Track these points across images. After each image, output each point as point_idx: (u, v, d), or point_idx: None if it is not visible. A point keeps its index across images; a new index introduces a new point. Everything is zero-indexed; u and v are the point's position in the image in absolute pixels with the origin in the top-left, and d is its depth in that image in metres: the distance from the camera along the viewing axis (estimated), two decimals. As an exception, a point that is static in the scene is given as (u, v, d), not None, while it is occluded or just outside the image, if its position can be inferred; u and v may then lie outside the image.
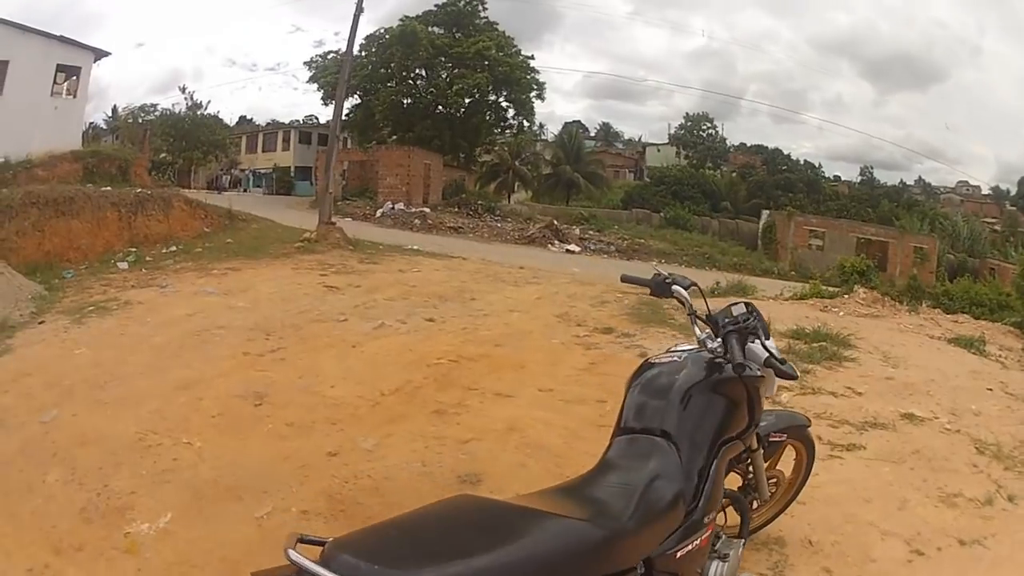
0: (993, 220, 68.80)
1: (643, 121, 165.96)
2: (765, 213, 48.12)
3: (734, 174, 68.94)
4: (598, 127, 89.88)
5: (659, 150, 75.41)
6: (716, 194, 57.06)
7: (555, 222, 33.85)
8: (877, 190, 77.35)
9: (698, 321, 3.03)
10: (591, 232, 35.26)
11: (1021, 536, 4.40)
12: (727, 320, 2.86)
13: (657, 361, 2.89)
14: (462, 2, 44.39)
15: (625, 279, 3.64)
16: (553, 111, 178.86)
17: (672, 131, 77.12)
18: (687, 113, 75.53)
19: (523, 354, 7.77)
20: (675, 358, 2.84)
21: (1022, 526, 4.55)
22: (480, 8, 44.79)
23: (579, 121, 79.45)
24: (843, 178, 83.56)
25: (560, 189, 52.81)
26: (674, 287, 3.15)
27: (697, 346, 2.92)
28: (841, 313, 12.94)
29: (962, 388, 7.61)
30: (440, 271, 14.71)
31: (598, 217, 41.92)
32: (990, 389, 7.80)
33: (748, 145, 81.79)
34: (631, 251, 32.59)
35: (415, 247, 20.02)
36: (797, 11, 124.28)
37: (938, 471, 5.18)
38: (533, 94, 46.07)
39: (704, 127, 73.47)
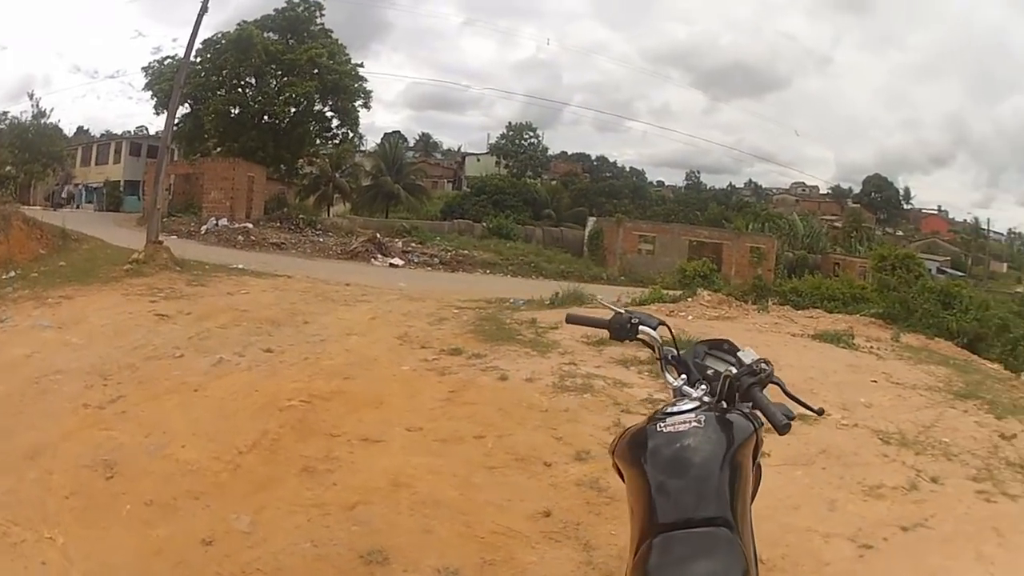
0: (834, 217, 74.62)
1: (463, 131, 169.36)
2: (591, 219, 49.63)
3: (554, 182, 71.44)
4: (417, 137, 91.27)
5: (479, 160, 77.35)
6: (538, 202, 58.49)
7: (377, 235, 33.85)
8: (704, 194, 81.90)
9: (670, 367, 2.61)
10: (414, 244, 35.43)
11: (960, 511, 4.67)
12: (742, 370, 2.40)
13: (665, 428, 2.26)
14: (300, 7, 43.66)
15: (574, 320, 3.16)
16: (373, 122, 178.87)
17: (492, 141, 79.31)
18: (510, 123, 78.76)
19: (376, 386, 7.41)
20: (686, 420, 2.24)
21: (957, 503, 4.82)
22: (317, 14, 44.26)
23: (399, 132, 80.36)
24: (667, 183, 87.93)
25: (380, 201, 52.99)
26: (641, 327, 2.71)
27: (689, 399, 2.39)
28: (690, 317, 13.31)
29: (845, 383, 7.93)
30: (269, 292, 14.18)
31: (420, 229, 42.06)
32: (874, 381, 8.17)
33: (570, 153, 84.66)
34: (455, 263, 32.93)
35: (240, 266, 19.26)
36: (633, 23, 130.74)
37: (851, 466, 5.36)
38: (359, 103, 45.75)
39: (527, 136, 75.78)
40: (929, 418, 6.88)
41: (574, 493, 4.91)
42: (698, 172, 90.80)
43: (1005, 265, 78.85)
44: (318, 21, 44.42)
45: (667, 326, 2.75)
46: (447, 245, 37.26)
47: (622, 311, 2.80)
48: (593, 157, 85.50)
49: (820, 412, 2.66)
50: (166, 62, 41.88)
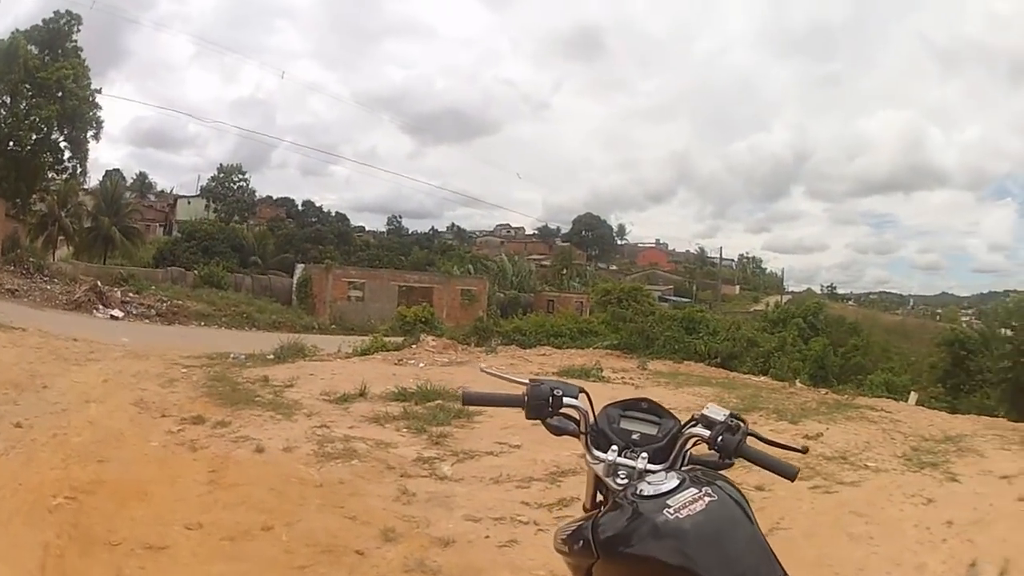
0: (541, 256, 77.47)
1: (176, 172, 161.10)
2: (299, 267, 48.75)
3: (259, 228, 69.15)
4: (135, 176, 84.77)
5: (189, 203, 73.75)
6: (245, 248, 56.13)
7: (98, 283, 31.72)
8: (406, 238, 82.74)
9: (599, 439, 2.19)
10: (131, 295, 33.44)
11: (806, 508, 5.60)
12: (719, 428, 2.04)
13: (681, 513, 1.81)
14: (63, 20, 38.44)
15: (473, 400, 2.44)
16: (97, 157, 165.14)
17: (203, 183, 75.71)
18: (220, 165, 74.78)
19: (133, 471, 6.68)
20: (694, 498, 1.90)
21: (798, 502, 5.71)
22: (75, 29, 39.10)
23: (118, 169, 73.30)
24: (368, 228, 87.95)
25: (99, 245, 48.44)
26: (564, 399, 2.24)
27: (663, 474, 1.97)
28: (422, 364, 13.37)
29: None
30: (7, 348, 13.08)
31: (136, 277, 39.01)
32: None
33: (275, 197, 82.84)
34: (171, 314, 31.83)
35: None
36: (351, 64, 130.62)
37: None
38: (91, 133, 40.81)
39: (236, 179, 73.08)
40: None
41: (410, 582, 4.57)
42: (400, 217, 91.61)
43: (738, 288, 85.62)
44: (73, 37, 39.29)
45: (586, 393, 2.26)
46: (163, 295, 35.25)
47: (539, 382, 2.28)
48: (299, 202, 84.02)
49: (804, 450, 2.37)
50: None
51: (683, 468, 2.03)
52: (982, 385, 24.24)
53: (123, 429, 8.10)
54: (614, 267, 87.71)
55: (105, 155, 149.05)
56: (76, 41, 39.58)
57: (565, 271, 66.16)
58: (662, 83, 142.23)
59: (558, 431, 2.18)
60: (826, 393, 15.74)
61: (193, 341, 20.23)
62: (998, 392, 21.70)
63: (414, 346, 16.37)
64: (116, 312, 29.10)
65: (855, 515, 5.94)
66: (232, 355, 14.28)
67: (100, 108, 40.95)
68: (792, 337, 27.48)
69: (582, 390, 2.22)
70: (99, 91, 41.17)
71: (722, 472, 2.00)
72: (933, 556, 4.86)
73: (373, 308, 39.70)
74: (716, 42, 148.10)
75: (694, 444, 2.06)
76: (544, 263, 72.50)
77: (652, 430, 2.12)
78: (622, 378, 11.48)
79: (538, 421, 2.18)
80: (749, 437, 2.06)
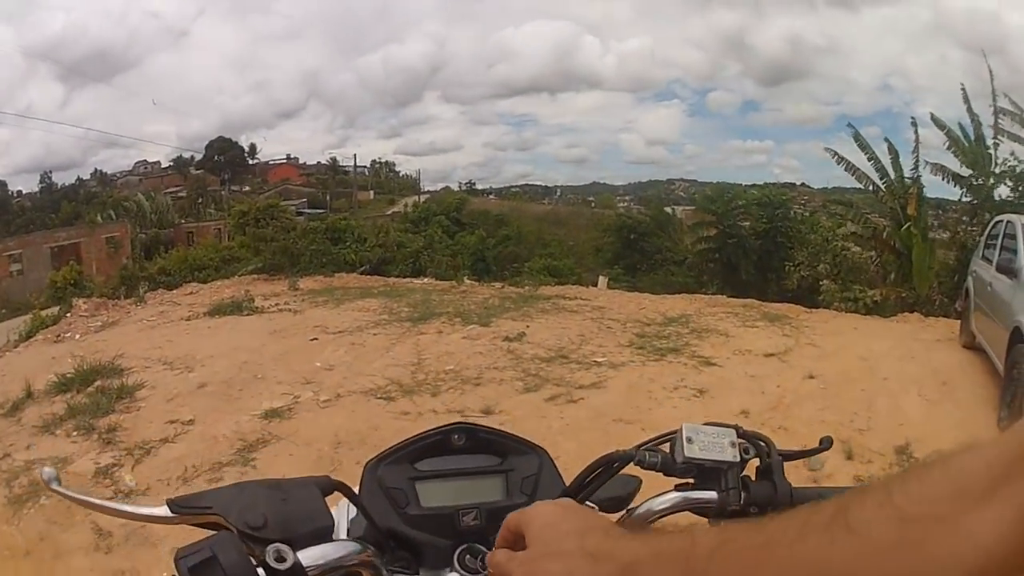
0: (177, 188, 72.93)
1: None
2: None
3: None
4: None
5: None
6: None
7: None
8: (56, 194, 75.43)
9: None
10: None
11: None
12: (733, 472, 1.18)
13: None
14: None
15: None
16: None
17: None
18: None
19: None
20: None
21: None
22: None
23: None
24: (24, 191, 79.58)
25: None
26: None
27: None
28: (77, 336, 12.05)
29: (292, 351, 7.81)
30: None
31: None
32: (315, 339, 8.05)
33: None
34: None
35: None
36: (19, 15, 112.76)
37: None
38: None
39: None
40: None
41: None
42: (50, 172, 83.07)
43: (372, 193, 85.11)
44: None
45: (344, 487, 1.10)
46: None
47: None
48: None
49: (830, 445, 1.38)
50: None
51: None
52: (661, 264, 25.71)
53: None
54: (247, 188, 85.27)
55: None
56: None
57: (200, 200, 63.40)
58: (298, 3, 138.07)
59: None
60: (502, 287, 15.76)
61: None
62: (696, 271, 23.12)
63: (68, 315, 14.73)
64: None
65: (621, 423, 5.73)
66: None
67: None
68: (438, 234, 27.59)
69: (338, 486, 1.04)
70: None
71: None
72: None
73: (33, 279, 35.08)
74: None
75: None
76: (181, 195, 69.02)
77: (496, 490, 1.17)
78: (276, 305, 10.90)
79: None
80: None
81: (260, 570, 0.80)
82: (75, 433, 6.44)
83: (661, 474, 1.14)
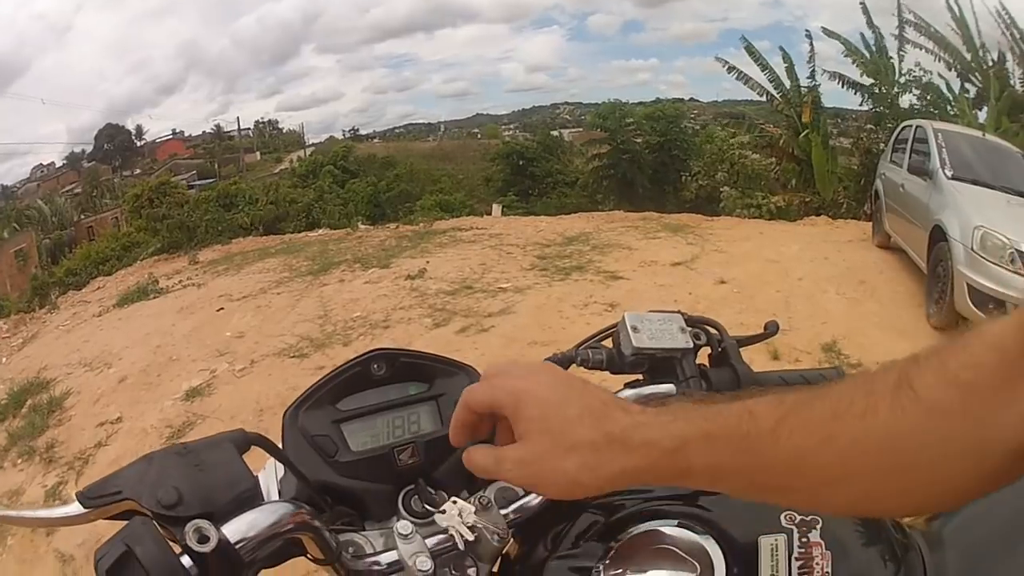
0: (73, 185, 69.82)
1: None
2: None
3: None
4: None
5: None
6: None
7: None
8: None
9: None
10: None
11: None
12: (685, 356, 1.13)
13: None
14: None
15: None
16: None
17: None
18: None
19: None
20: None
21: None
22: None
23: None
24: None
25: None
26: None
27: None
28: (4, 360, 11.82)
29: (188, 332, 7.85)
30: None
31: None
32: (222, 308, 8.25)
33: None
34: None
35: None
36: None
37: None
38: None
39: None
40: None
41: None
42: None
43: (258, 154, 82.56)
44: None
45: (264, 441, 0.99)
46: None
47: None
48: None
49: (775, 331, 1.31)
50: None
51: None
52: (553, 187, 25.96)
53: None
54: (138, 171, 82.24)
55: None
56: None
57: (95, 192, 61.14)
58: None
59: None
60: (397, 227, 15.41)
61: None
62: (590, 190, 23.13)
63: (-9, 339, 14.46)
64: None
65: (537, 345, 5.76)
66: None
67: None
68: (328, 184, 27.26)
69: (255, 439, 0.90)
70: None
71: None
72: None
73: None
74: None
75: None
76: (78, 191, 66.35)
77: (429, 419, 1.05)
78: (180, 282, 10.78)
79: None
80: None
81: (185, 556, 0.70)
82: (20, 461, 6.09)
83: (608, 373, 1.10)
